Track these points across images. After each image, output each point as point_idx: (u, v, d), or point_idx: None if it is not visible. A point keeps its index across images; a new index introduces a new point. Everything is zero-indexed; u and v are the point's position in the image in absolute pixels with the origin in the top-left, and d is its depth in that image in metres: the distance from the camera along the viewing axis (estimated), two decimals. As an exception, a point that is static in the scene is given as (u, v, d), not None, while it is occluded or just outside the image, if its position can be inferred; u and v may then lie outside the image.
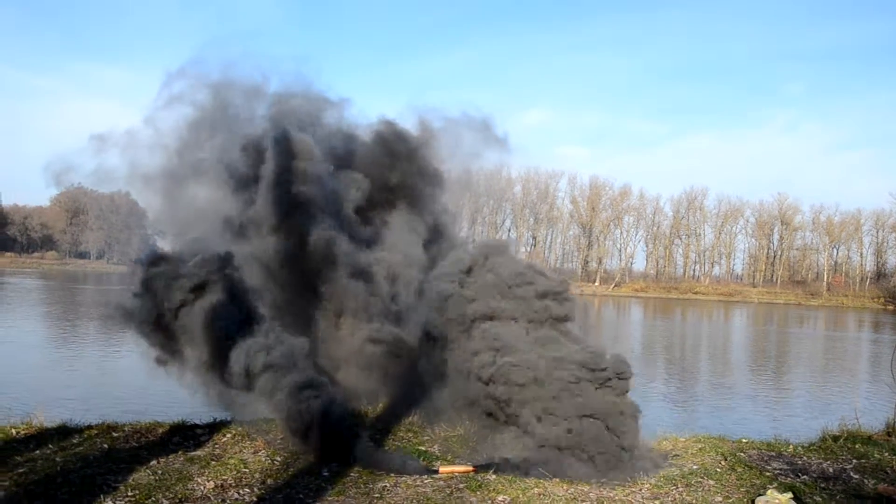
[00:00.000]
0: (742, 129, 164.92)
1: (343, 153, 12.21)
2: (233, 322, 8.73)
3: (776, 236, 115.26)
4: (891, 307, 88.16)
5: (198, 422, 8.42)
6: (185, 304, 8.95)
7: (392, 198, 12.32)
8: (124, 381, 15.19)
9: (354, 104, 14.28)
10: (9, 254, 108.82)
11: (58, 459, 6.50)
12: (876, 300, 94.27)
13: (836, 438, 8.94)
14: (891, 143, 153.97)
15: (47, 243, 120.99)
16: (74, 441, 7.18)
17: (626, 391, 7.99)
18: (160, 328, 9.13)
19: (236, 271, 9.32)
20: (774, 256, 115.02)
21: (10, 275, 72.59)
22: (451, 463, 7.29)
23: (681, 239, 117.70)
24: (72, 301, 42.56)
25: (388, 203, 12.33)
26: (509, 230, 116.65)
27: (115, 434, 7.57)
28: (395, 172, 12.21)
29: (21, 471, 6.08)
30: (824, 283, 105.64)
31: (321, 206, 10.48)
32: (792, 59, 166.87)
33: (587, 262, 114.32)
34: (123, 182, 12.54)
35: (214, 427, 8.17)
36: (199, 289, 9.07)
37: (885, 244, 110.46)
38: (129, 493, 5.71)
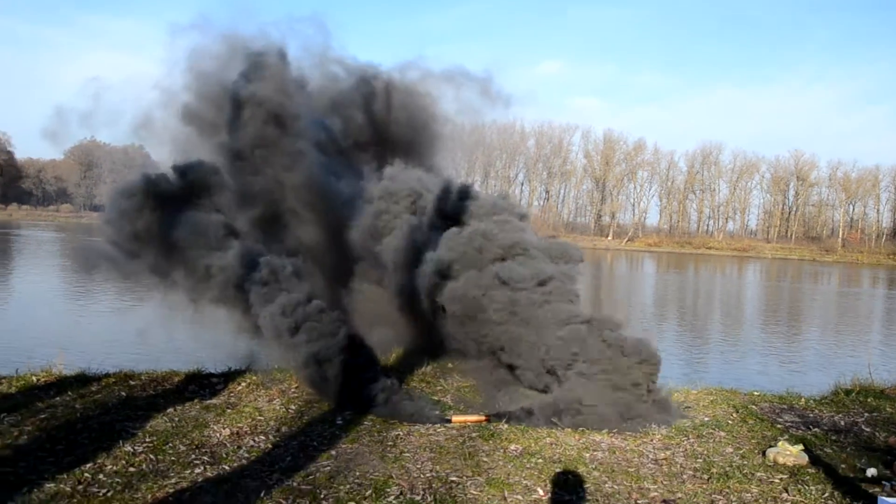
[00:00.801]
0: (761, 82, 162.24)
1: (333, 101, 12.15)
2: (212, 237, 8.93)
3: (791, 192, 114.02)
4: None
5: (213, 370, 8.52)
6: (166, 217, 9.13)
7: (382, 147, 12.28)
8: (137, 330, 15.37)
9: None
10: (24, 207, 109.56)
11: (77, 406, 6.61)
12: (891, 257, 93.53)
13: (848, 392, 8.95)
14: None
15: (62, 196, 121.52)
16: (93, 389, 7.29)
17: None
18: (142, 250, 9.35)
19: (219, 186, 9.51)
20: (789, 212, 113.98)
21: (26, 227, 73.20)
22: (464, 413, 7.36)
23: (695, 194, 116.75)
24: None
25: (376, 152, 12.31)
26: (522, 184, 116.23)
27: (132, 382, 7.68)
28: (383, 121, 12.15)
29: (42, 416, 6.19)
30: (839, 240, 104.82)
31: (297, 142, 10.49)
32: (815, 11, 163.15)
33: (600, 217, 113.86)
34: (130, 133, 12.55)
35: (229, 376, 8.26)
36: (182, 199, 9.24)
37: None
38: (147, 440, 5.81)
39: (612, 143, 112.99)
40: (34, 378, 7.50)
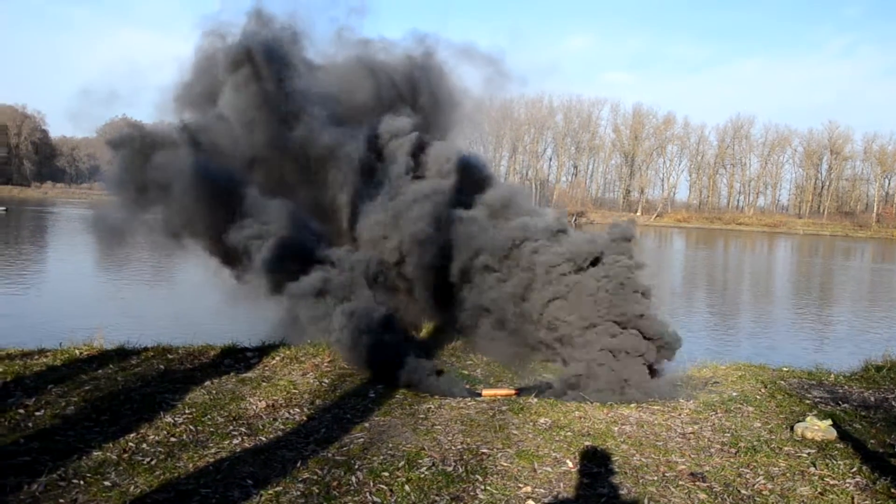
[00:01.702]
0: (794, 54, 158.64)
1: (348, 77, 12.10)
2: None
3: (825, 166, 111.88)
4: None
5: (248, 345, 8.71)
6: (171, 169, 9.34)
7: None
8: (171, 305, 15.70)
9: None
10: (59, 185, 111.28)
11: (119, 379, 6.82)
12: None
13: (879, 368, 8.88)
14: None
15: (95, 174, 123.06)
16: (133, 362, 7.50)
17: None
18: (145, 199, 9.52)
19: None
20: (822, 187, 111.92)
21: (61, 205, 74.41)
22: (494, 386, 7.46)
23: (725, 169, 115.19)
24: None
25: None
26: (550, 159, 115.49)
27: (170, 356, 7.88)
28: (390, 96, 12.07)
29: (87, 388, 6.41)
30: (874, 215, 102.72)
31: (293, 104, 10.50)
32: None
33: (629, 192, 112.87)
34: (155, 112, 12.66)
35: (264, 350, 8.44)
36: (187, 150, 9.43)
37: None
38: (187, 411, 5.99)
39: (642, 117, 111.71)
40: (77, 351, 7.74)
